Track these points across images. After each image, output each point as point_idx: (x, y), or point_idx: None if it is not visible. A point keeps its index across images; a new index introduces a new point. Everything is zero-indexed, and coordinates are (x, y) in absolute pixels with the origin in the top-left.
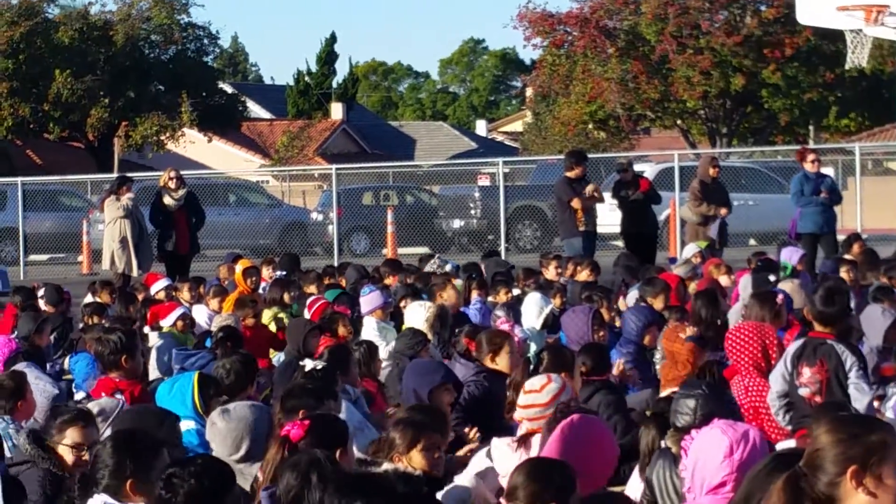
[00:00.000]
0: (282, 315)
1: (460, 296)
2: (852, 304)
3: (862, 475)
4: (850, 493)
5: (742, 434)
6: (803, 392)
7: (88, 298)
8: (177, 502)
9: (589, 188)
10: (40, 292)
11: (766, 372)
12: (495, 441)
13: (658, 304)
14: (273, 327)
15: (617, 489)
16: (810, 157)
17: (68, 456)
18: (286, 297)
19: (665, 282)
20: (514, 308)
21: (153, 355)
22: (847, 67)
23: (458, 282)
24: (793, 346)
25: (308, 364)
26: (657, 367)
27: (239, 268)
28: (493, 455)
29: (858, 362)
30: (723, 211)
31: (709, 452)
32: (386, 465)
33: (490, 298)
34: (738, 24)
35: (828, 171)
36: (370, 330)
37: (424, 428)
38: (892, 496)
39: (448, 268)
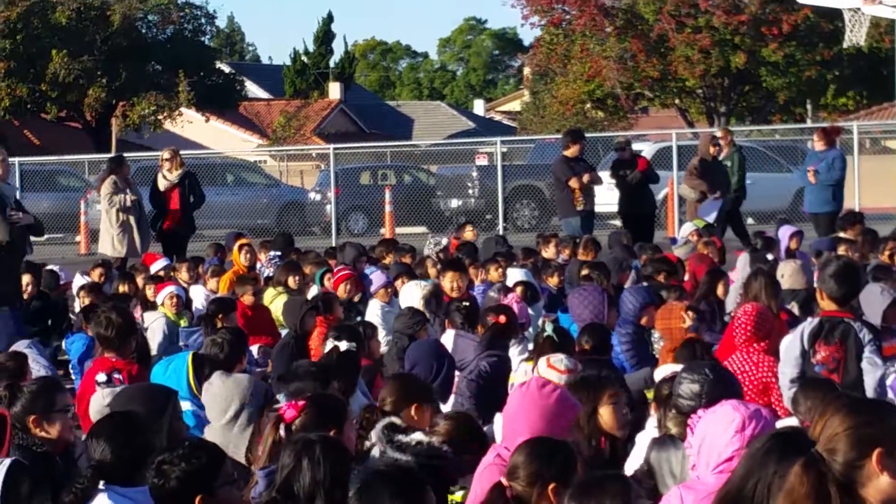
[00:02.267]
0: (283, 296)
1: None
2: None
3: (887, 458)
4: (874, 475)
5: (754, 411)
6: (819, 370)
7: (79, 280)
8: (169, 487)
9: (585, 178)
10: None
11: (768, 351)
12: (499, 416)
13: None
14: (275, 308)
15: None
16: (815, 135)
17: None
18: (291, 280)
19: (668, 260)
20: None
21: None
22: (845, 46)
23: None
24: (807, 326)
25: (343, 345)
26: (655, 346)
27: (236, 245)
28: (495, 430)
29: (875, 339)
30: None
31: (718, 428)
32: (416, 435)
33: (483, 277)
34: (737, 3)
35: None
36: (373, 311)
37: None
38: None
39: (444, 242)
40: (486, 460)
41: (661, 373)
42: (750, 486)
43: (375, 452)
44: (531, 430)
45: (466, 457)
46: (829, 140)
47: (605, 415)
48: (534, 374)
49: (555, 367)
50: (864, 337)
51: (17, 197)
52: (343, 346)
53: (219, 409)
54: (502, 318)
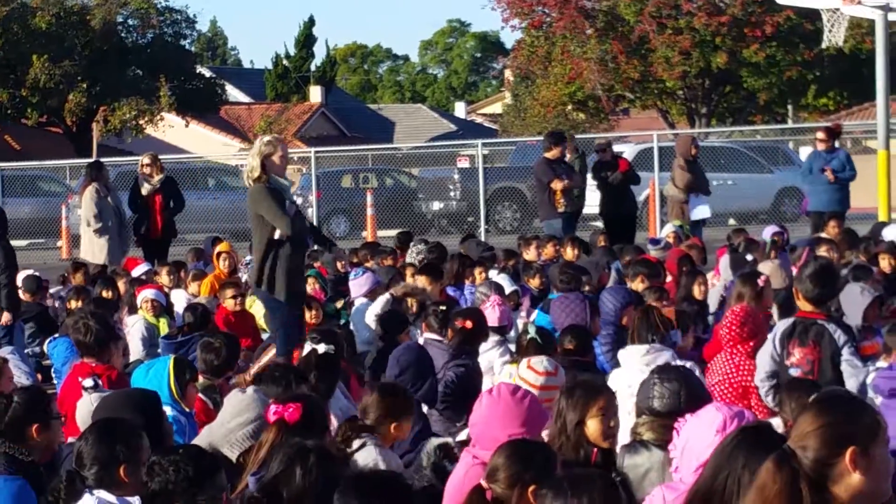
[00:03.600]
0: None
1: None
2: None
3: (860, 456)
4: (846, 473)
5: (737, 412)
6: (794, 372)
7: (55, 288)
8: (161, 492)
9: (564, 184)
10: (18, 281)
11: (752, 354)
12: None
13: (637, 284)
14: (256, 312)
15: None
16: (819, 135)
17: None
18: None
19: (647, 261)
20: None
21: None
22: (824, 46)
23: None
24: (781, 326)
25: (321, 347)
26: None
27: (214, 252)
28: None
29: (851, 340)
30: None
31: (701, 429)
32: None
33: (467, 281)
34: (719, 5)
35: (806, 150)
36: (360, 312)
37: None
38: (881, 476)
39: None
40: (462, 466)
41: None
42: (720, 481)
43: (360, 459)
44: (510, 436)
45: None
46: (834, 139)
47: (592, 427)
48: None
49: (533, 369)
50: (839, 338)
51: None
52: (321, 348)
53: (233, 411)
54: (468, 324)
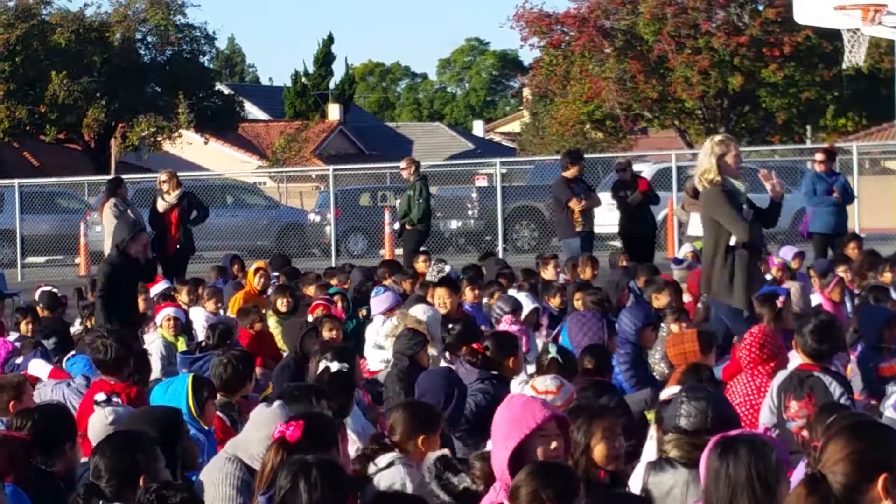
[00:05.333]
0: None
1: (453, 300)
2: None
3: (892, 483)
4: (876, 500)
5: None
6: (791, 426)
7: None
8: None
9: (583, 204)
10: (37, 297)
11: (772, 374)
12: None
13: (662, 301)
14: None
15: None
16: (818, 156)
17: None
18: (280, 303)
19: (666, 280)
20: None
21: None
22: (844, 67)
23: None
24: (778, 378)
25: (334, 366)
26: (654, 367)
27: (252, 269)
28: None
29: (846, 392)
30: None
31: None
32: (466, 481)
33: (485, 300)
34: (738, 25)
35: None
36: (384, 331)
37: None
38: None
39: (447, 270)
40: (492, 493)
41: (666, 394)
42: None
43: (387, 477)
44: (498, 440)
45: None
46: (832, 161)
47: (597, 451)
48: None
49: (535, 388)
50: (835, 391)
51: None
52: (334, 366)
53: (255, 426)
54: (483, 346)
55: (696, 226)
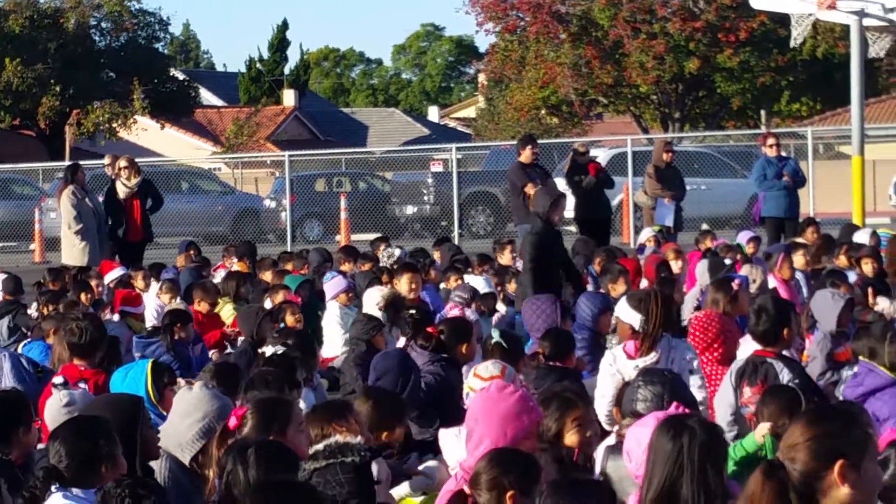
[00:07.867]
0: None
1: (418, 284)
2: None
3: (849, 469)
4: (834, 486)
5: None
6: (745, 412)
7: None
8: None
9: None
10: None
11: (722, 360)
12: (442, 432)
13: (619, 288)
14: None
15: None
16: (770, 140)
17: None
18: (242, 290)
19: (620, 268)
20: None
21: None
22: (791, 45)
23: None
24: (735, 365)
25: (268, 350)
26: None
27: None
28: (441, 446)
29: (795, 378)
30: (667, 200)
31: (639, 441)
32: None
33: (442, 285)
34: (693, 10)
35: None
36: (333, 315)
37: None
38: (870, 489)
39: (397, 254)
40: (453, 480)
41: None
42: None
43: None
44: (490, 432)
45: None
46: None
47: (569, 439)
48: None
49: (479, 376)
50: (784, 377)
51: None
52: (268, 350)
53: (182, 412)
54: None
55: (661, 211)
